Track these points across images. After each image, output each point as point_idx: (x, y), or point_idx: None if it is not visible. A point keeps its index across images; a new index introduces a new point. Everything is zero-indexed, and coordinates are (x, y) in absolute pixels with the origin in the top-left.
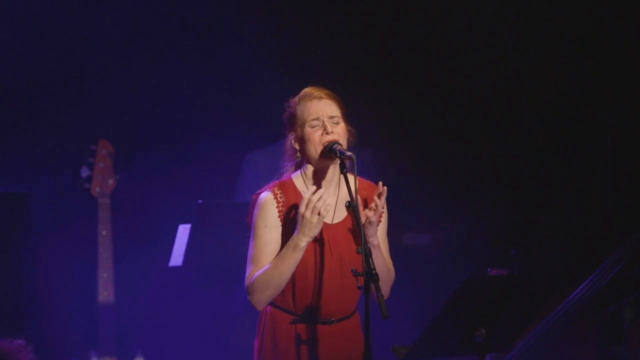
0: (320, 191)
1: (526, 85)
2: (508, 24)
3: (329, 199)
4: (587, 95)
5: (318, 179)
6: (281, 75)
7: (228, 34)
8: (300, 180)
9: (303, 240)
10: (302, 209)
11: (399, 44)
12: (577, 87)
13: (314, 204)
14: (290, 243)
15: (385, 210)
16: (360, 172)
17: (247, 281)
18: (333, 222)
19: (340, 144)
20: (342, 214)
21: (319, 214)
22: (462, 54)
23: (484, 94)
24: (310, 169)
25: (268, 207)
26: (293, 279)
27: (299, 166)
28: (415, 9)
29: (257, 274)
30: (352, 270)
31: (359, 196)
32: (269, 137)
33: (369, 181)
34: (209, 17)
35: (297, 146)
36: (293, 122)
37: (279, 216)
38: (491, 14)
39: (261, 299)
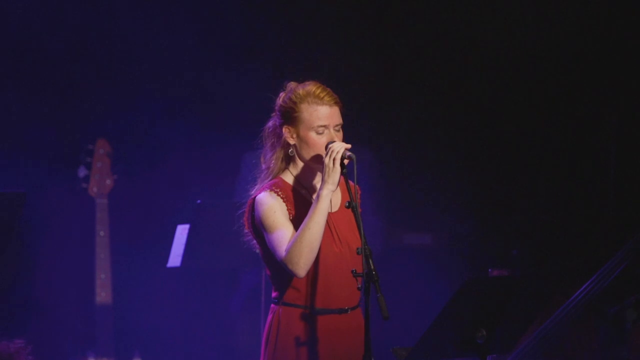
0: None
1: (528, 85)
2: (509, 23)
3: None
4: (590, 95)
5: (312, 176)
6: (281, 74)
7: (228, 34)
8: (291, 178)
9: (325, 188)
10: (327, 159)
11: (400, 44)
12: (580, 87)
13: (335, 152)
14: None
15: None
16: (361, 173)
17: (282, 257)
18: (333, 211)
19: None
20: (338, 203)
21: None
22: (463, 53)
23: (485, 93)
24: (301, 165)
25: (271, 199)
26: (309, 273)
27: (286, 161)
28: (417, 8)
29: (289, 242)
30: (352, 271)
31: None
32: None
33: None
34: (209, 17)
35: (292, 142)
36: (293, 118)
37: (287, 208)
38: (492, 13)
39: (300, 261)
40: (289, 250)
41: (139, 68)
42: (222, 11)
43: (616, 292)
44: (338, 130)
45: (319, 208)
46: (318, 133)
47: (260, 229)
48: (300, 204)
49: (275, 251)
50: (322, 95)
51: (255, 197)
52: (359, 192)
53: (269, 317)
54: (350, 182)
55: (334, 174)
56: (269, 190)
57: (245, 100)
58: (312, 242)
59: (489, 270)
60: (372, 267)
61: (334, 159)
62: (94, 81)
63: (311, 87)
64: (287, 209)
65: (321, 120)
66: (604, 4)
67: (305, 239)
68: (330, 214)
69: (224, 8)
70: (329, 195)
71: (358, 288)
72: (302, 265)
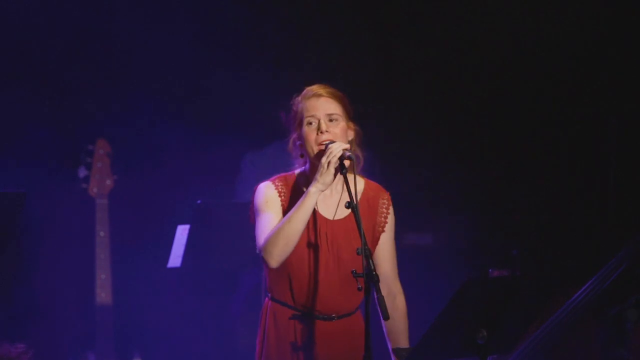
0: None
1: (528, 85)
2: (509, 23)
3: (331, 198)
4: (590, 96)
5: None
6: (281, 74)
7: (227, 34)
8: (303, 177)
9: (313, 186)
10: (324, 159)
11: (400, 43)
12: (580, 87)
13: (333, 154)
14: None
15: (391, 218)
16: (361, 173)
17: (260, 245)
18: (334, 219)
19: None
20: (344, 212)
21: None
22: (463, 53)
23: (485, 93)
24: (309, 166)
25: (268, 191)
26: (289, 272)
27: (304, 163)
28: (417, 8)
29: (269, 232)
30: (352, 272)
31: (364, 196)
32: (269, 137)
33: (376, 183)
34: (209, 17)
35: (298, 142)
36: (295, 121)
37: (281, 204)
38: (492, 13)
39: (273, 251)
40: (266, 240)
41: (138, 68)
42: (222, 11)
43: (617, 293)
44: (334, 120)
45: (303, 204)
46: (308, 124)
47: (255, 217)
48: (297, 200)
49: (256, 239)
50: (314, 89)
51: (257, 185)
52: (388, 198)
53: (262, 311)
54: (381, 187)
55: (326, 175)
56: (270, 181)
57: (245, 100)
58: (289, 236)
59: (489, 270)
60: (372, 267)
61: (329, 161)
62: (94, 81)
63: (308, 87)
64: (281, 202)
65: (308, 111)
66: (604, 4)
67: (282, 231)
68: (329, 222)
69: (224, 8)
70: (317, 193)
71: (359, 288)
72: (274, 256)
